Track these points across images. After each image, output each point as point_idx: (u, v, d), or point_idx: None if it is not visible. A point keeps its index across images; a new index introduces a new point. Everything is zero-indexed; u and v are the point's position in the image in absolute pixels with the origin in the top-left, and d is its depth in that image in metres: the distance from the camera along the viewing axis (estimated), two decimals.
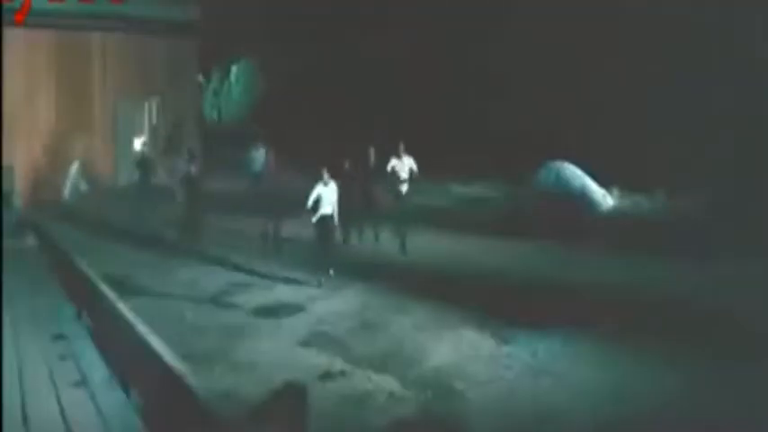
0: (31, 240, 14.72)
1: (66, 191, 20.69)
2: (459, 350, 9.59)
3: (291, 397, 6.50)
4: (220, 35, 25.34)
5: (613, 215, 17.13)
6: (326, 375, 8.58)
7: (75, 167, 20.96)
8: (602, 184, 17.88)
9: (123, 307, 8.23)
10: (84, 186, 20.96)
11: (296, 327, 10.26)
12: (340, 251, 12.82)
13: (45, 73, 19.86)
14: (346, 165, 14.44)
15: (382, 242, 14.34)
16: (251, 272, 12.97)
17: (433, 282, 11.45)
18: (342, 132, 24.46)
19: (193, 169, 15.81)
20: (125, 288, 10.71)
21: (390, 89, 24.69)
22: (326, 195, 12.26)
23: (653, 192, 17.97)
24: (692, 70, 18.98)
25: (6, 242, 13.18)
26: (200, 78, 27.52)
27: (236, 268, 13.26)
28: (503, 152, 19.87)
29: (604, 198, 17.72)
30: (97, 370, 7.73)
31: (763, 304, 10.70)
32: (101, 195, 20.41)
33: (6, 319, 9.02)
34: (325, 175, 12.24)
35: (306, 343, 9.81)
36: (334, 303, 11.25)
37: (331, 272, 12.20)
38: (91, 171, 21.29)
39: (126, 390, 7.13)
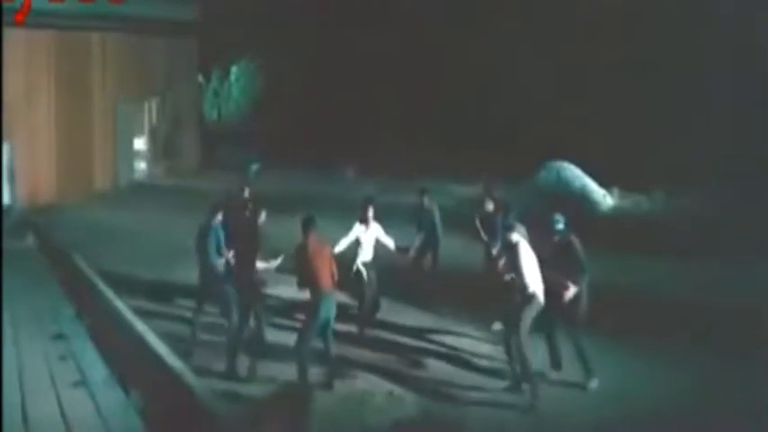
0: (30, 240, 14.70)
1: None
2: (458, 350, 9.60)
3: (292, 397, 6.51)
4: (220, 35, 25.33)
5: (613, 215, 17.13)
6: (327, 376, 8.57)
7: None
8: (602, 184, 17.88)
9: (123, 306, 8.24)
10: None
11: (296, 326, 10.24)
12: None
13: (45, 73, 19.83)
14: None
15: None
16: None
17: (433, 282, 11.44)
18: (342, 133, 24.49)
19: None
20: (125, 287, 10.70)
21: (391, 89, 24.69)
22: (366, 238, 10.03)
23: (653, 192, 17.98)
24: (692, 71, 19.01)
25: (6, 242, 13.17)
26: (200, 78, 27.52)
27: None
28: (503, 152, 19.88)
29: (604, 198, 17.73)
30: (97, 370, 7.73)
31: (763, 304, 10.72)
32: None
33: (6, 319, 9.01)
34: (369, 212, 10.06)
35: None
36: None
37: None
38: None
39: (126, 389, 7.13)
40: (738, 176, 16.74)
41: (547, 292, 8.25)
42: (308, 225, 8.45)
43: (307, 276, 8.34)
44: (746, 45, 18.41)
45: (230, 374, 8.68)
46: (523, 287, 8.10)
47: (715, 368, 8.84)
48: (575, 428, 7.65)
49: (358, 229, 10.01)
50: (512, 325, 8.24)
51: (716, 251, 13.56)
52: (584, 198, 17.37)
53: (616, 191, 18.10)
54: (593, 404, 8.04)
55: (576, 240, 8.53)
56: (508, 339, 8.38)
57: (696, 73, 18.82)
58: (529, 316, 8.10)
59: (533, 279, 8.15)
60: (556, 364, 8.68)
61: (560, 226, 8.63)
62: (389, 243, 10.30)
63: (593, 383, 8.38)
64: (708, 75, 18.59)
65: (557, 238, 8.60)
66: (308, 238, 8.41)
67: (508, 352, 8.40)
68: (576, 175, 17.86)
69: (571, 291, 8.32)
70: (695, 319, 10.30)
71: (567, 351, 8.68)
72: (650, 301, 11.15)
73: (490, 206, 10.54)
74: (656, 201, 17.85)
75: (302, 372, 8.23)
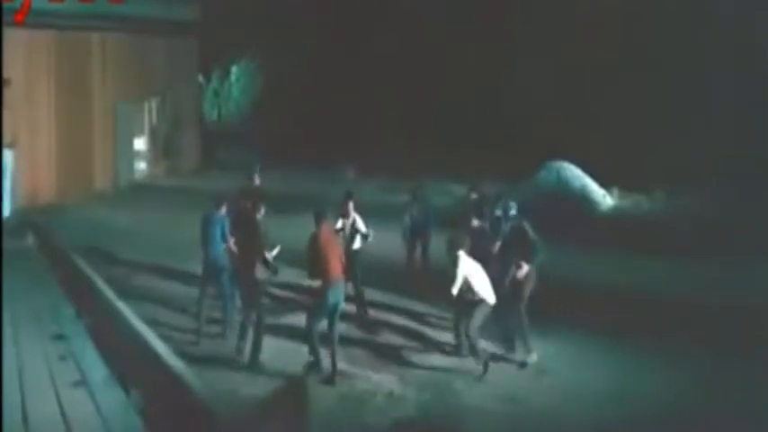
0: (30, 240, 14.69)
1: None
2: (457, 350, 9.59)
3: (292, 396, 6.49)
4: (220, 35, 25.32)
5: (613, 215, 17.13)
6: (326, 375, 8.57)
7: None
8: (602, 184, 17.88)
9: (123, 306, 8.23)
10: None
11: (296, 326, 10.23)
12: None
13: (45, 73, 19.83)
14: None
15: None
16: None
17: (433, 281, 11.43)
18: (342, 133, 24.48)
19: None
20: (125, 287, 10.70)
21: (391, 90, 24.69)
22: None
23: (653, 192, 17.99)
24: (692, 71, 19.01)
25: (6, 242, 13.16)
26: (200, 78, 27.51)
27: None
28: (503, 152, 19.87)
29: (604, 198, 17.73)
30: (97, 370, 7.72)
31: (763, 304, 10.72)
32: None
33: (6, 319, 9.01)
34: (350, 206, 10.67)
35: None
36: None
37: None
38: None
39: (126, 389, 7.13)
40: (738, 176, 16.74)
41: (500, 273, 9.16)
42: (320, 216, 8.93)
43: (318, 265, 8.71)
44: (746, 45, 18.41)
45: (236, 363, 8.91)
46: (470, 291, 8.67)
47: (715, 368, 8.85)
48: (575, 428, 7.65)
49: (341, 223, 10.70)
50: (462, 315, 8.89)
51: (716, 251, 13.56)
52: (584, 198, 17.37)
53: (616, 191, 18.10)
54: (593, 404, 8.04)
55: (527, 225, 9.37)
56: (458, 325, 9.12)
57: (696, 73, 18.82)
58: (478, 312, 8.70)
59: (480, 284, 8.71)
60: (508, 345, 9.37)
61: (513, 212, 9.83)
62: (363, 229, 10.73)
63: (532, 358, 9.06)
64: (708, 75, 18.60)
65: (510, 223, 9.69)
66: (321, 228, 8.86)
67: (457, 335, 9.25)
68: (576, 175, 17.85)
69: (524, 269, 9.10)
70: (695, 319, 10.30)
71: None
72: (650, 301, 11.16)
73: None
74: (656, 201, 17.85)
75: (315, 351, 8.70)
